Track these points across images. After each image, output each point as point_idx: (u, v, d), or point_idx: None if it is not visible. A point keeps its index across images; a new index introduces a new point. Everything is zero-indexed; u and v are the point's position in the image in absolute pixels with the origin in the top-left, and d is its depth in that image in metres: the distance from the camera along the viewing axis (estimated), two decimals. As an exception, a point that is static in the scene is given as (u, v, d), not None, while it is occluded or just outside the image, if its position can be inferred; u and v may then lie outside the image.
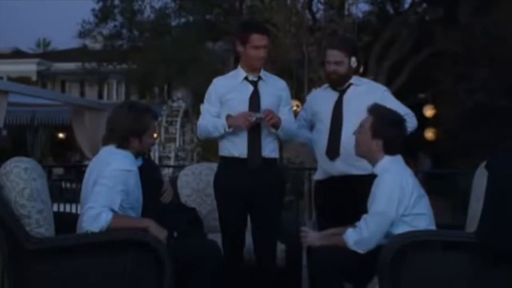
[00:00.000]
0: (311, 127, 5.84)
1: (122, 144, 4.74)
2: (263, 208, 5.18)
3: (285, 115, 5.26)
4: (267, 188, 5.16)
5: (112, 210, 4.46)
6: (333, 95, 5.62)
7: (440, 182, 17.67)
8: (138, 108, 4.89)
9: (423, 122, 20.87)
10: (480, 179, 4.68)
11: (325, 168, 5.60)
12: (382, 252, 4.38)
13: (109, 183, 4.51)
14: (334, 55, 5.57)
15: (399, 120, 4.78)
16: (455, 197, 15.84)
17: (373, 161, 4.73)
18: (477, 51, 17.37)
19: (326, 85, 5.78)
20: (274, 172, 5.27)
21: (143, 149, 4.89)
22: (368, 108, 4.80)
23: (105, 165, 4.61)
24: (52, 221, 4.66)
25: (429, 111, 20.87)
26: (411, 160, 23.33)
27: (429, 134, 21.11)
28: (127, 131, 4.74)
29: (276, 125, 5.12)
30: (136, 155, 4.85)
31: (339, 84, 5.60)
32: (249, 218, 5.33)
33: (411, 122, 5.49)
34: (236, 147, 5.17)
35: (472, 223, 4.69)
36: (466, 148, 17.85)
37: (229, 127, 5.10)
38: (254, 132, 5.15)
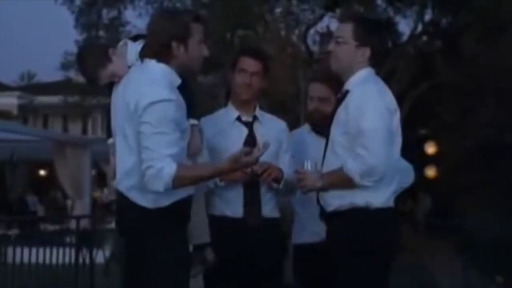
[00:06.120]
0: None
1: (161, 53, 3.76)
2: (261, 277, 4.43)
3: (285, 165, 4.46)
4: (267, 253, 4.42)
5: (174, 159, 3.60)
6: (319, 143, 4.52)
7: (442, 223, 17.14)
8: (173, 10, 4.05)
9: (424, 160, 20.26)
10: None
11: (315, 230, 4.61)
12: None
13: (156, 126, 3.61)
14: (317, 89, 4.78)
15: (382, 23, 3.92)
16: (458, 238, 15.30)
17: (350, 75, 4.12)
18: (482, 84, 16.80)
19: (306, 126, 4.96)
20: (275, 235, 4.52)
21: (195, 61, 3.86)
22: (343, 17, 3.99)
23: (140, 95, 3.65)
24: None
25: (430, 148, 20.28)
26: (410, 200, 22.88)
27: (430, 172, 20.48)
28: (165, 36, 3.77)
29: (277, 179, 4.35)
30: (184, 71, 3.85)
31: (323, 126, 4.49)
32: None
33: (409, 178, 4.70)
34: (229, 205, 4.41)
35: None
36: (470, 187, 17.25)
37: (221, 180, 4.30)
38: (252, 187, 4.38)
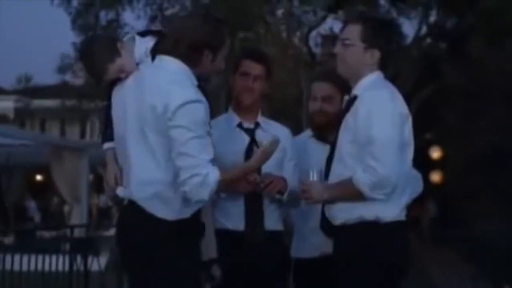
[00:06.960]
0: None
1: (190, 57, 3.55)
2: None
3: (289, 174, 4.23)
4: (270, 268, 4.20)
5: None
6: (322, 150, 4.31)
7: (449, 231, 16.89)
8: (215, 18, 3.74)
9: (429, 165, 20.04)
10: None
11: (316, 244, 4.40)
12: None
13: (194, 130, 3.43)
14: (321, 88, 4.52)
15: (392, 22, 3.58)
16: (465, 246, 15.08)
17: (358, 79, 3.85)
18: (489, 87, 16.60)
19: (308, 132, 4.71)
20: (279, 249, 4.31)
21: (213, 72, 3.76)
22: (349, 18, 3.77)
23: (168, 96, 3.41)
24: None
25: (435, 153, 20.06)
26: (415, 206, 22.68)
27: (435, 177, 20.24)
28: (201, 41, 3.56)
29: (281, 191, 4.12)
30: (201, 78, 3.65)
31: (327, 129, 4.35)
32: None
33: (419, 188, 4.38)
34: (230, 218, 4.18)
35: None
36: (476, 192, 17.02)
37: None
38: (254, 199, 4.16)
